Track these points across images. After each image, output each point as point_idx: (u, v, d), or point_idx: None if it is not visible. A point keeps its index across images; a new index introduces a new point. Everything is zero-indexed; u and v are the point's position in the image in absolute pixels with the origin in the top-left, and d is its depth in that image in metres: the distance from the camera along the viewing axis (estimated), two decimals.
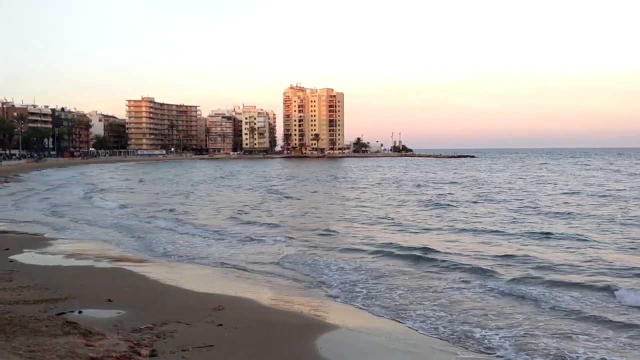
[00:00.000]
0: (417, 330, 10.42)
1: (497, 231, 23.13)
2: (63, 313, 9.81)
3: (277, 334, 9.60)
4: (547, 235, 21.57)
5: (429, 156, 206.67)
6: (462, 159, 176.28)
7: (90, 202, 39.72)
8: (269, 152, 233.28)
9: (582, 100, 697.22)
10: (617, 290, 12.62)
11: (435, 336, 10.06)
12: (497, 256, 17.38)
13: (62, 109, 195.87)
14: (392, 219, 28.06)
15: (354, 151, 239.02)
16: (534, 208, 32.05)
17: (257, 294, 12.91)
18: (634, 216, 27.20)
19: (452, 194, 44.66)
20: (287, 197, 43.87)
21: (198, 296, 12.32)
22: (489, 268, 15.40)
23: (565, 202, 35.32)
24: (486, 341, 9.69)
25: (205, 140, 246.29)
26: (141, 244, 21.24)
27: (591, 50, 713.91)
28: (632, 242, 19.73)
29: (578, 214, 28.59)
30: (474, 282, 14.01)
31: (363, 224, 26.70)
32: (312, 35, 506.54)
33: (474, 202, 37.33)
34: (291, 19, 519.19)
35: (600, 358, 8.89)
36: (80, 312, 10.16)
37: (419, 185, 56.01)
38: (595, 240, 20.15)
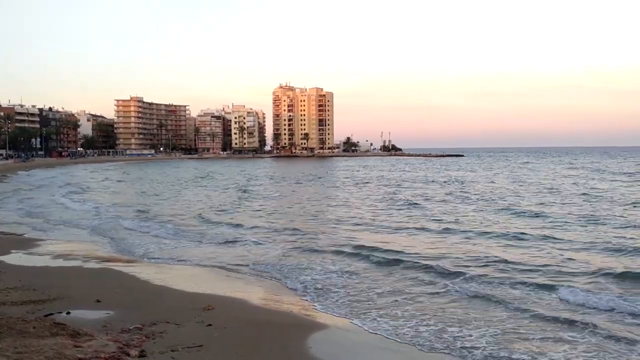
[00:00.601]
0: (405, 330, 10.42)
1: (470, 231, 23.02)
2: (51, 314, 9.74)
3: (267, 333, 9.59)
4: (516, 235, 21.58)
5: (417, 155, 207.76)
6: (450, 158, 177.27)
7: (71, 203, 39.17)
8: (258, 151, 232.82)
9: (581, 100, 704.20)
10: (561, 288, 12.92)
11: (421, 336, 10.05)
12: (471, 257, 17.26)
13: (50, 109, 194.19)
14: (368, 218, 28.13)
15: (344, 150, 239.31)
16: (507, 208, 31.99)
17: (246, 293, 12.89)
18: (601, 215, 27.34)
19: (427, 193, 44.83)
20: (268, 198, 43.62)
21: (187, 296, 12.27)
22: (461, 270, 15.30)
23: (539, 202, 35.41)
24: (458, 342, 9.69)
25: (195, 139, 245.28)
26: (121, 245, 20.96)
27: (590, 50, 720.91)
28: (595, 242, 19.81)
29: (546, 213, 28.68)
30: (450, 284, 13.92)
31: (339, 223, 26.68)
32: (302, 34, 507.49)
33: (451, 201, 37.56)
34: (281, 18, 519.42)
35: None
36: (68, 313, 10.09)
37: (399, 185, 56.38)
38: (563, 240, 20.17)
